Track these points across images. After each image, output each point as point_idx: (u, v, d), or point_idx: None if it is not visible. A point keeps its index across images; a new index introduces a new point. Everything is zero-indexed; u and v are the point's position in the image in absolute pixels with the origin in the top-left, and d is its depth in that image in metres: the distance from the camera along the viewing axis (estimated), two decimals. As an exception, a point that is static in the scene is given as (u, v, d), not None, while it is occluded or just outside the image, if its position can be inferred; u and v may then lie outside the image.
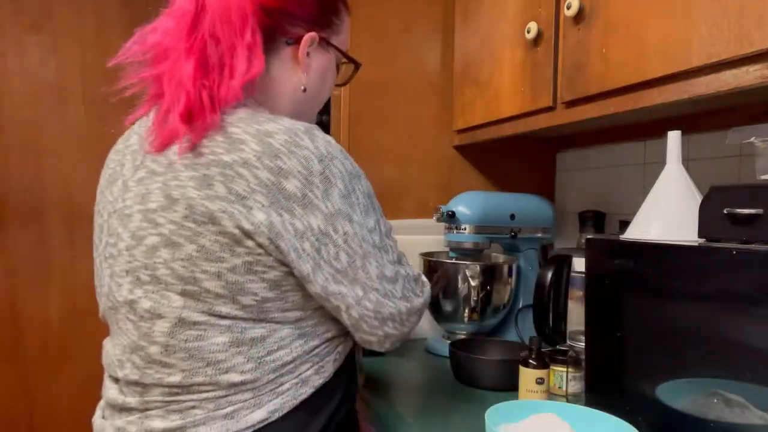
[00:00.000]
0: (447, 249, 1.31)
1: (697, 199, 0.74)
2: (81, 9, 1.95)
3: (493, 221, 1.26)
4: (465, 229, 1.24)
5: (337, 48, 0.83)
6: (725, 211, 0.66)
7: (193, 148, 0.66)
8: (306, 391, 0.71)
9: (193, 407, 0.67)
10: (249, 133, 0.65)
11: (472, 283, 1.21)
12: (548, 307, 0.99)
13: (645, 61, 0.84)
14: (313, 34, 0.77)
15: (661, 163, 0.81)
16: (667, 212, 0.77)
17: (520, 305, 1.28)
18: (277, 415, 0.69)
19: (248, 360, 0.68)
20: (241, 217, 0.63)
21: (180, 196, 0.65)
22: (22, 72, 1.91)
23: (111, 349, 0.74)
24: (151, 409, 0.69)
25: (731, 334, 0.63)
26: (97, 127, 1.97)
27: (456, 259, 1.27)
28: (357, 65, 0.89)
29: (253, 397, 0.68)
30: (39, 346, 1.96)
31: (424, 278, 0.84)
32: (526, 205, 1.32)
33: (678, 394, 0.68)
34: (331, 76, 0.85)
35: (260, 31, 0.72)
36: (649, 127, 1.23)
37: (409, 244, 1.36)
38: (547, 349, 1.01)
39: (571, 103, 1.04)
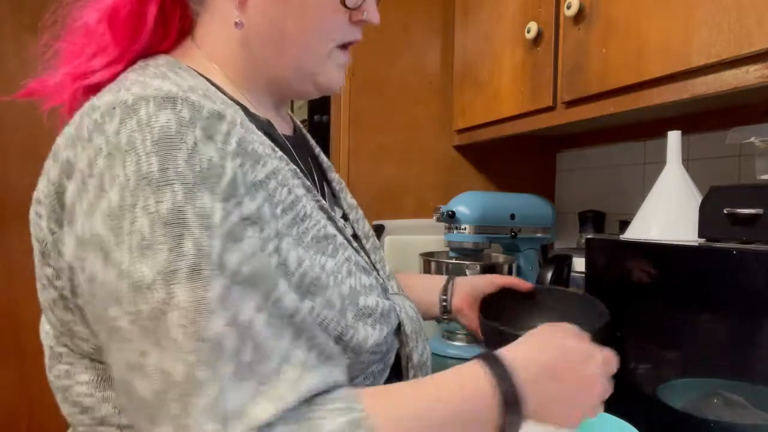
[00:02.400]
0: (447, 249, 1.31)
1: (697, 199, 0.74)
2: (81, 9, 1.94)
3: (493, 221, 1.25)
4: (465, 229, 1.24)
5: None
6: (725, 211, 0.66)
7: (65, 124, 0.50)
8: None
9: None
10: (82, 110, 0.48)
11: (472, 283, 1.21)
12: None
13: (645, 61, 0.84)
14: None
15: (661, 163, 0.81)
16: (667, 212, 0.77)
17: (520, 305, 1.28)
18: None
19: (119, 412, 0.49)
20: (33, 230, 0.49)
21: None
22: (22, 72, 1.91)
23: None
24: None
25: (731, 334, 0.63)
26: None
27: (456, 259, 1.27)
28: None
29: None
30: (38, 347, 1.94)
31: None
32: (526, 205, 1.32)
33: (678, 394, 0.68)
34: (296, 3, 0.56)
35: None
36: (649, 127, 1.23)
37: (409, 244, 1.36)
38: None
39: (571, 103, 1.04)
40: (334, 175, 0.73)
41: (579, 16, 0.98)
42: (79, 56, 0.55)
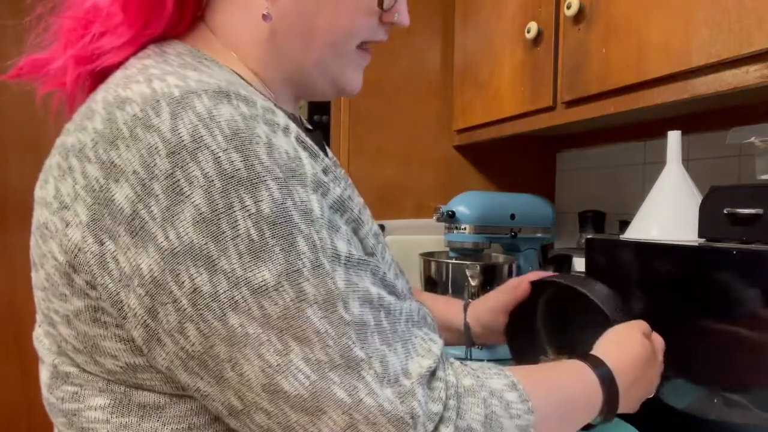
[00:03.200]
0: (447, 249, 1.31)
1: (697, 199, 0.74)
2: (81, 9, 1.94)
3: (493, 221, 1.26)
4: (465, 229, 1.24)
5: None
6: (725, 211, 0.66)
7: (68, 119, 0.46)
8: None
9: None
10: (105, 101, 0.42)
11: (472, 283, 1.21)
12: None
13: (645, 61, 0.84)
14: None
15: (661, 163, 0.81)
16: (667, 212, 0.77)
17: (520, 305, 1.28)
18: None
19: None
20: (57, 238, 0.42)
21: (35, 196, 0.47)
22: (22, 72, 1.91)
23: None
24: None
25: (731, 334, 0.63)
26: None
27: (456, 259, 1.27)
28: None
29: None
30: (39, 346, 1.96)
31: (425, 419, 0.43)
32: (526, 205, 1.32)
33: (678, 394, 0.68)
34: None
35: None
36: (649, 127, 1.23)
37: (409, 244, 1.36)
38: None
39: (571, 103, 1.04)
40: (340, 171, 0.69)
41: (579, 16, 0.98)
42: (83, 35, 0.50)
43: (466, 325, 0.82)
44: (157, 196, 0.38)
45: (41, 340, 0.49)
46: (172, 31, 0.51)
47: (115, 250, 0.40)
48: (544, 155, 1.66)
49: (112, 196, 0.39)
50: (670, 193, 0.78)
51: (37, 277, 0.46)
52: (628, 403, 0.60)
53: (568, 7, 0.98)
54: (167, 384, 0.44)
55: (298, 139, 0.44)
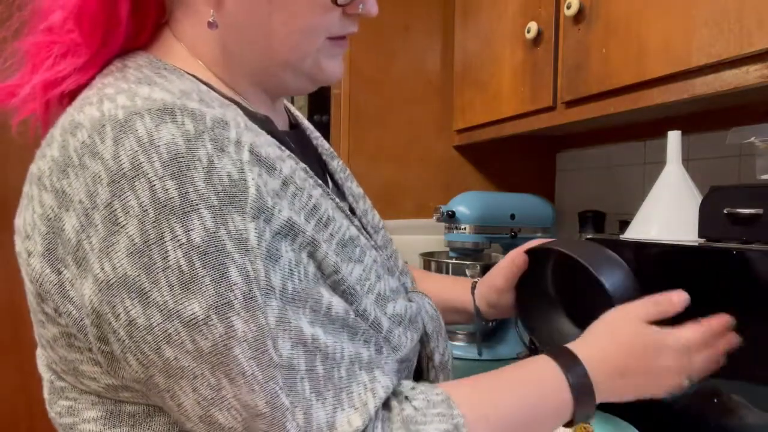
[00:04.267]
0: (447, 249, 1.31)
1: (697, 199, 0.74)
2: (81, 9, 1.95)
3: (493, 221, 1.26)
4: (465, 229, 1.24)
5: None
6: (725, 211, 0.66)
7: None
8: None
9: None
10: (62, 127, 0.42)
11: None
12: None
13: (645, 61, 0.84)
14: None
15: (661, 163, 0.81)
16: (667, 212, 0.77)
17: (520, 305, 1.28)
18: None
19: None
20: (24, 267, 0.44)
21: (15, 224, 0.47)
22: (22, 72, 1.91)
23: None
24: None
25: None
26: None
27: (456, 259, 1.27)
28: None
29: None
30: (39, 346, 1.96)
31: None
32: (526, 205, 1.32)
33: (678, 395, 0.68)
34: None
35: None
36: (649, 127, 1.23)
37: (409, 244, 1.36)
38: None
39: (571, 103, 1.04)
40: (337, 164, 0.67)
41: (579, 16, 0.98)
42: (45, 58, 0.49)
43: (476, 308, 0.76)
44: (96, 226, 0.38)
45: (40, 356, 0.49)
46: (134, 42, 0.50)
47: (71, 278, 0.40)
48: (544, 155, 1.66)
49: (63, 225, 0.40)
50: (670, 193, 0.78)
51: (28, 296, 0.46)
52: (619, 397, 0.54)
53: (568, 7, 0.98)
54: (149, 398, 0.44)
55: (251, 152, 0.41)
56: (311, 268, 0.44)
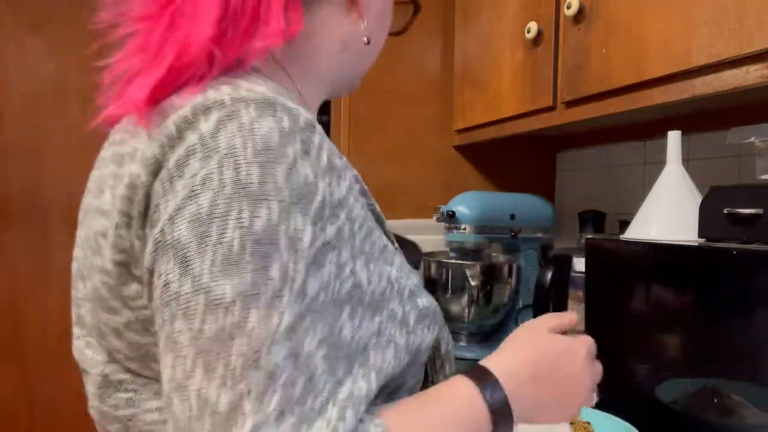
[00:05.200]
0: (447, 249, 1.31)
1: (697, 199, 0.74)
2: (81, 9, 1.95)
3: (493, 221, 1.26)
4: (465, 229, 1.24)
5: None
6: (725, 211, 0.66)
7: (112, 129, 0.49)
8: None
9: None
10: (162, 109, 0.44)
11: (472, 283, 1.21)
12: (548, 307, 0.99)
13: (645, 61, 0.84)
14: None
15: (661, 163, 0.81)
16: (667, 212, 0.77)
17: (520, 305, 1.28)
18: None
19: None
20: (110, 240, 0.44)
21: (85, 208, 0.49)
22: (23, 72, 1.91)
23: None
24: None
25: (731, 333, 0.63)
26: (98, 127, 1.97)
27: (456, 259, 1.27)
28: (417, 6, 0.71)
29: None
30: (39, 346, 1.96)
31: None
32: (526, 205, 1.32)
33: (678, 394, 0.68)
34: (388, 21, 0.67)
35: None
36: (649, 127, 1.23)
37: (409, 244, 1.36)
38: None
39: (571, 103, 1.04)
40: None
41: (579, 16, 0.98)
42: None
43: None
44: (176, 192, 0.40)
45: (83, 351, 0.49)
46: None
47: (144, 245, 0.42)
48: (544, 155, 1.66)
49: (151, 190, 0.41)
50: (670, 193, 0.78)
51: (83, 290, 0.47)
52: (537, 406, 0.52)
53: (568, 7, 0.98)
54: None
55: (328, 159, 0.43)
56: (348, 283, 0.45)
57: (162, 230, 0.40)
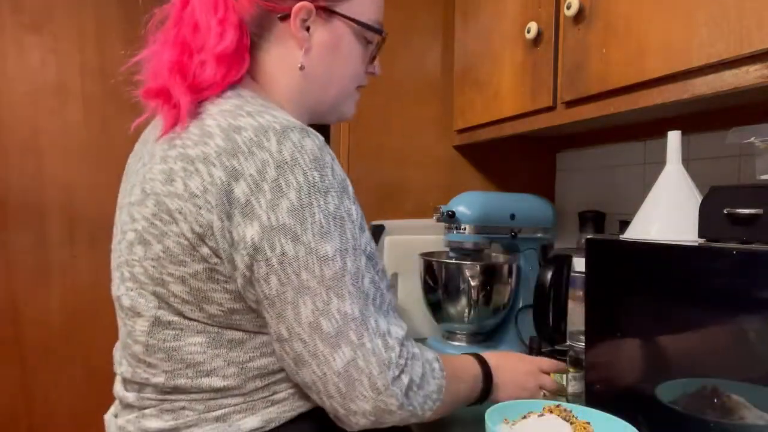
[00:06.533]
0: (447, 249, 1.31)
1: (697, 199, 0.74)
2: (81, 9, 1.95)
3: (493, 221, 1.26)
4: (465, 229, 1.24)
5: (345, 17, 0.73)
6: (725, 211, 0.66)
7: (170, 139, 0.63)
8: (304, 405, 0.67)
9: (184, 408, 0.65)
10: (221, 127, 0.61)
11: (472, 283, 1.21)
12: (548, 307, 0.99)
13: (645, 61, 0.84)
14: (304, 3, 0.69)
15: (661, 163, 0.81)
16: (667, 212, 0.77)
17: (520, 305, 1.28)
18: (273, 425, 0.65)
19: (228, 364, 0.64)
20: (192, 218, 0.60)
21: (150, 191, 0.63)
22: (22, 72, 1.91)
23: (117, 345, 0.74)
24: (146, 408, 0.67)
25: (731, 334, 0.63)
26: (97, 127, 1.97)
27: (456, 259, 1.27)
28: (378, 33, 0.78)
29: (244, 402, 0.65)
30: (39, 346, 1.96)
31: (419, 376, 0.66)
32: (526, 205, 1.32)
33: (678, 394, 0.68)
34: (348, 51, 0.75)
35: (243, 8, 0.68)
36: (649, 127, 1.23)
37: (409, 244, 1.36)
38: (547, 349, 1.01)
39: (571, 103, 1.04)
40: None
41: (579, 16, 0.98)
42: (191, 77, 0.66)
43: None
44: (264, 192, 0.58)
45: (137, 300, 0.65)
46: (236, 79, 0.69)
47: (229, 226, 0.59)
48: (544, 155, 1.66)
49: (232, 189, 0.58)
50: (670, 193, 0.78)
51: (145, 252, 0.64)
52: (505, 390, 0.82)
53: (568, 7, 0.98)
54: (251, 323, 0.64)
55: (339, 164, 0.64)
56: (373, 244, 0.67)
57: (268, 219, 0.58)
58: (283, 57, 0.72)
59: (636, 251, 0.74)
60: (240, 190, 0.58)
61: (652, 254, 0.72)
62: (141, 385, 0.68)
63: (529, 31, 1.11)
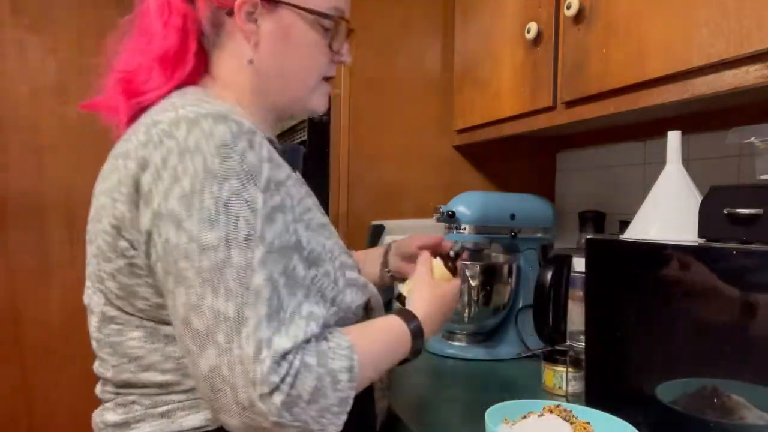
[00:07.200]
0: (447, 249, 1.30)
1: (697, 199, 0.74)
2: (81, 9, 1.95)
3: (493, 221, 1.25)
4: (465, 229, 1.23)
5: (291, 5, 0.70)
6: (725, 211, 0.66)
7: (119, 136, 0.67)
8: None
9: (134, 402, 0.66)
10: (145, 124, 0.62)
11: (472, 283, 1.21)
12: (548, 307, 0.99)
13: (645, 61, 0.84)
14: None
15: (661, 163, 0.81)
16: (667, 212, 0.77)
17: (520, 305, 1.28)
18: (217, 425, 0.62)
19: (166, 359, 0.64)
20: (109, 212, 0.62)
21: (95, 192, 0.67)
22: (22, 72, 1.91)
23: None
24: (107, 401, 0.69)
25: (731, 334, 0.63)
26: (97, 127, 1.97)
27: (456, 259, 1.27)
28: (331, 19, 0.73)
29: (187, 399, 0.64)
30: (39, 346, 1.96)
31: (288, 384, 0.55)
32: (526, 205, 1.32)
33: (678, 394, 0.68)
34: (300, 40, 0.72)
35: (200, 10, 0.69)
36: (649, 127, 1.23)
37: (409, 244, 1.36)
38: (547, 349, 1.01)
39: (571, 103, 1.04)
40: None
41: (579, 16, 0.98)
42: (135, 82, 0.69)
43: (385, 271, 1.04)
44: (163, 179, 0.57)
45: (92, 297, 0.68)
46: (189, 78, 0.71)
47: (136, 216, 0.59)
48: (544, 155, 1.66)
49: (140, 179, 0.59)
50: (670, 193, 0.78)
51: (92, 249, 0.67)
52: (434, 324, 0.80)
53: (568, 7, 0.98)
54: None
55: (268, 152, 0.61)
56: (293, 238, 0.62)
57: (159, 205, 0.57)
58: (234, 53, 0.72)
59: (636, 251, 0.74)
60: (145, 179, 0.58)
61: (652, 254, 0.72)
62: (102, 380, 0.70)
63: (529, 31, 1.11)
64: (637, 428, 0.67)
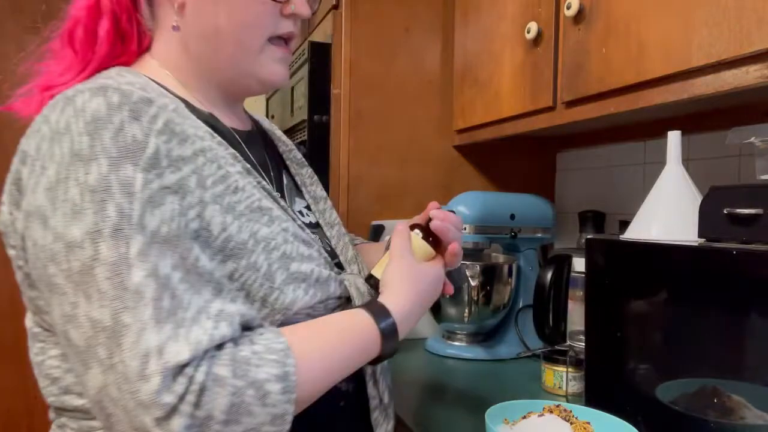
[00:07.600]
0: (447, 249, 1.30)
1: (697, 199, 0.74)
2: (81, 9, 1.95)
3: (493, 221, 1.26)
4: (465, 229, 1.24)
5: None
6: (725, 211, 0.66)
7: None
8: None
9: (64, 425, 0.58)
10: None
11: (472, 283, 1.21)
12: (548, 307, 0.99)
13: (645, 61, 0.84)
14: None
15: (661, 163, 0.81)
16: (667, 212, 0.77)
17: (520, 305, 1.28)
18: None
19: (79, 381, 0.55)
20: (2, 218, 0.55)
21: None
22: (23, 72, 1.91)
23: None
24: (53, 421, 0.61)
25: (731, 334, 0.63)
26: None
27: (456, 259, 1.27)
28: None
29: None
30: (39, 346, 1.96)
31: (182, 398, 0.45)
32: (526, 205, 1.32)
33: (678, 394, 0.68)
34: (225, 3, 0.62)
35: None
36: (649, 127, 1.23)
37: (409, 244, 1.36)
38: (547, 349, 1.01)
39: (571, 103, 1.04)
40: (305, 170, 0.82)
41: (579, 16, 0.98)
42: (52, 74, 0.63)
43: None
44: (35, 171, 0.50)
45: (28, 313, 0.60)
46: (117, 59, 0.64)
47: (17, 217, 0.52)
48: (544, 155, 1.66)
49: (20, 175, 0.52)
50: (670, 193, 0.78)
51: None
52: (415, 318, 0.66)
53: (568, 7, 0.98)
54: None
55: (166, 125, 0.52)
56: (194, 225, 0.51)
57: (28, 202, 0.49)
58: (160, 23, 0.64)
59: (636, 251, 0.74)
60: (24, 174, 0.51)
61: (652, 254, 0.72)
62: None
63: (529, 31, 1.11)
64: (637, 428, 0.67)
